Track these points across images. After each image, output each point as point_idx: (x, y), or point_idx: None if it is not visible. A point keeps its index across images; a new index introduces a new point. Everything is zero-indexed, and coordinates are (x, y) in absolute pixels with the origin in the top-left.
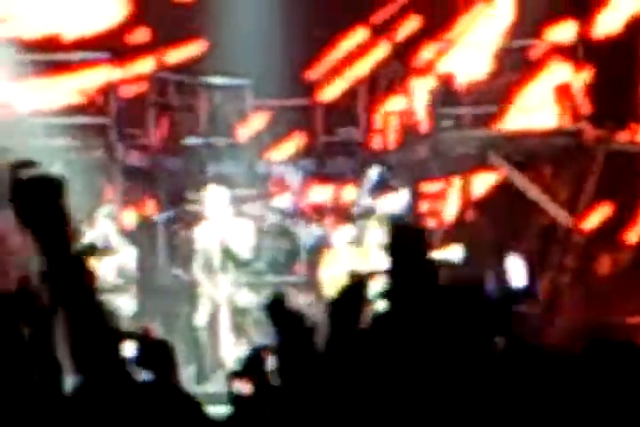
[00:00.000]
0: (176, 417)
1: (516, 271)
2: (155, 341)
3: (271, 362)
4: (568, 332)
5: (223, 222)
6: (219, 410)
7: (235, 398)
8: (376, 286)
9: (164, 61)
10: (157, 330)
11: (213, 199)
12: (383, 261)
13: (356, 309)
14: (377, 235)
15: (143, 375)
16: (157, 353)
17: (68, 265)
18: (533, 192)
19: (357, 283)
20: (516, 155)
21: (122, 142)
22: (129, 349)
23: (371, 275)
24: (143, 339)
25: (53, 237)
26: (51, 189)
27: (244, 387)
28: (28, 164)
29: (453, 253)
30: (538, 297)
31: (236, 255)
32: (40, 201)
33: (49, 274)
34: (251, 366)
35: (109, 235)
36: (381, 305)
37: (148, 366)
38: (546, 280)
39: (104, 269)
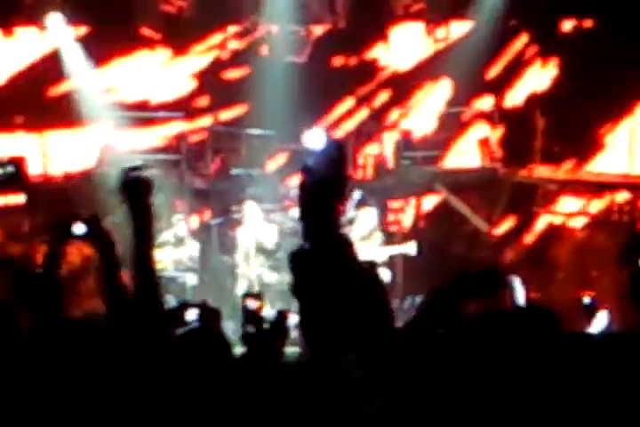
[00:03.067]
0: (214, 352)
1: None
2: (210, 308)
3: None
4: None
5: (256, 226)
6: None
7: (246, 314)
8: None
9: (218, 118)
10: (210, 299)
11: (250, 211)
12: (359, 252)
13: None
14: (357, 234)
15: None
16: (210, 316)
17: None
18: (463, 209)
19: None
20: (452, 184)
21: (189, 172)
22: (192, 313)
23: None
24: (203, 307)
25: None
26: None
27: (252, 304)
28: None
29: (410, 247)
30: None
31: (264, 247)
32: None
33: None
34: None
35: (181, 233)
36: None
37: (204, 322)
38: (469, 268)
39: (179, 256)
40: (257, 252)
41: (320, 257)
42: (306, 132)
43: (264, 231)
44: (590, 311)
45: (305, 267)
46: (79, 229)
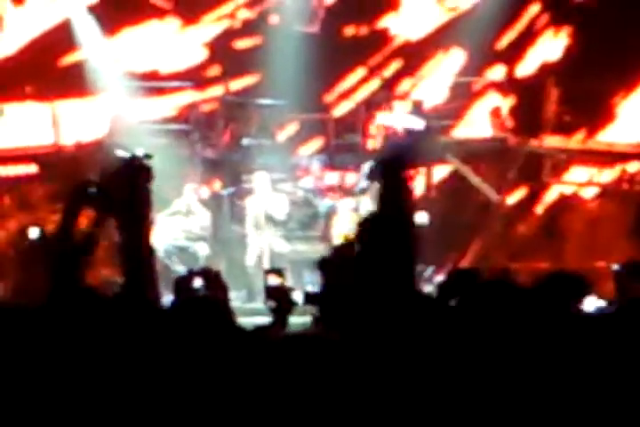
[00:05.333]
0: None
1: None
2: (213, 275)
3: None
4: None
5: (266, 196)
6: (260, 320)
7: (267, 290)
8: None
9: (229, 88)
10: (221, 267)
11: (260, 180)
12: None
13: (349, 253)
14: (368, 206)
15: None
16: (217, 281)
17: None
18: (474, 179)
19: (347, 241)
20: (463, 154)
21: (200, 142)
22: (198, 280)
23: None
24: (207, 273)
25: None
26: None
27: (274, 280)
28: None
29: (421, 217)
30: None
31: (273, 217)
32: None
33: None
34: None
35: (192, 203)
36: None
37: (210, 290)
38: (480, 238)
39: (190, 226)
40: (267, 222)
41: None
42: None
43: (273, 201)
44: (621, 278)
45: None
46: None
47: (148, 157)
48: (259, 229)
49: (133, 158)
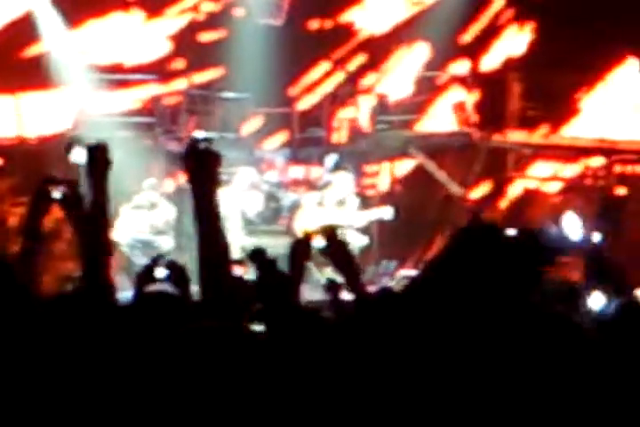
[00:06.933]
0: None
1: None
2: (178, 266)
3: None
4: None
5: (243, 192)
6: None
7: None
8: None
9: (193, 81)
10: (185, 261)
11: (243, 176)
12: (336, 217)
13: (306, 249)
14: (332, 199)
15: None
16: (178, 273)
17: None
18: (438, 173)
19: (305, 237)
20: (427, 148)
21: (163, 135)
22: (162, 272)
23: (314, 233)
24: (171, 266)
25: None
26: None
27: (237, 270)
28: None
29: (385, 212)
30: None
31: (246, 214)
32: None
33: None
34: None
35: (153, 198)
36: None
37: (173, 283)
38: (445, 233)
39: (154, 220)
40: (238, 217)
41: None
42: None
43: (249, 199)
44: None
45: None
46: (57, 194)
47: (207, 140)
48: (225, 223)
49: (196, 141)
